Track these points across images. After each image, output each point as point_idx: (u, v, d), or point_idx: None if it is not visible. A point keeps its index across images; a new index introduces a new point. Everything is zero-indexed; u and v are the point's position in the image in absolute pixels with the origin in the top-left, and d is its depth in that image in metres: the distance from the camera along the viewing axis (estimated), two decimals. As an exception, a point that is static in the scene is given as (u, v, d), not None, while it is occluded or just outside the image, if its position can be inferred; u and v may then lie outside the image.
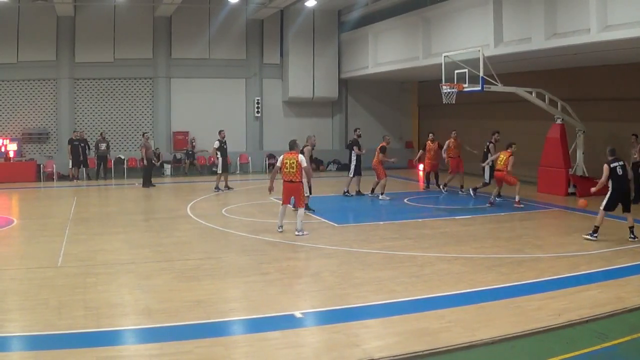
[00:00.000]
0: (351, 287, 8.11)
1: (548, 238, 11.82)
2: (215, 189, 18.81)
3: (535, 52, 15.69)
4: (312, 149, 15.84)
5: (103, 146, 22.68)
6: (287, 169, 11.43)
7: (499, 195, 15.46)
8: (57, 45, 23.32)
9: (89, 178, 22.71)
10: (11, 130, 23.06)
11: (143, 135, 21.72)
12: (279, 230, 11.68)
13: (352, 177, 17.33)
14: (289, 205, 12.04)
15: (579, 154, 17.68)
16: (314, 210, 14.20)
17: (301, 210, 11.63)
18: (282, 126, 26.34)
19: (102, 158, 22.73)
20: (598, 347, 6.00)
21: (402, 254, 10.01)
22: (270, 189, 11.92)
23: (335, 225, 12.88)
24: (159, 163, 22.39)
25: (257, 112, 26.04)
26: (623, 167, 10.87)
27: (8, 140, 22.36)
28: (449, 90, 16.62)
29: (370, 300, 7.53)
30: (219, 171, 18.84)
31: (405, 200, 16.71)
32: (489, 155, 16.48)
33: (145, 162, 20.32)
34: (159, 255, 10.02)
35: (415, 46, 20.70)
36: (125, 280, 8.52)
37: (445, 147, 18.21)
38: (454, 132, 18.21)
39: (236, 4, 23.26)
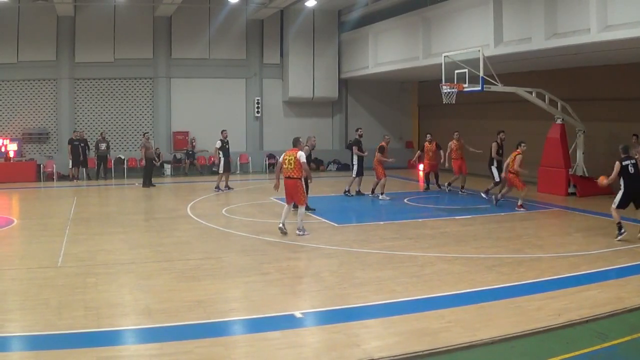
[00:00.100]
0: (351, 287, 8.11)
1: (548, 238, 11.82)
2: (215, 188, 18.82)
3: (536, 52, 15.69)
4: (312, 149, 15.82)
5: (103, 146, 22.70)
6: (286, 165, 11.44)
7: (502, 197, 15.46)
8: (57, 45, 23.33)
9: (89, 178, 22.72)
10: (11, 130, 23.07)
11: (144, 135, 21.74)
12: (280, 225, 11.43)
13: (354, 178, 17.30)
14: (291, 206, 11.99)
15: (579, 154, 17.69)
16: (314, 210, 14.21)
17: (301, 209, 11.55)
18: (282, 126, 26.34)
19: (102, 158, 22.74)
20: (598, 347, 6.00)
21: (402, 254, 10.01)
22: (277, 187, 11.84)
23: (336, 225, 12.88)
24: (159, 163, 22.40)
25: (257, 112, 26.05)
26: (635, 165, 10.84)
27: (8, 140, 22.37)
28: (449, 90, 16.62)
29: (370, 300, 7.53)
30: (221, 171, 18.84)
31: (405, 200, 16.71)
32: (497, 156, 16.20)
33: (144, 162, 20.33)
34: (159, 255, 10.02)
35: (415, 46, 20.71)
36: (125, 280, 8.52)
37: (448, 149, 18.11)
38: (456, 134, 18.12)
39: (236, 4, 23.26)
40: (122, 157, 23.92)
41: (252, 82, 26.10)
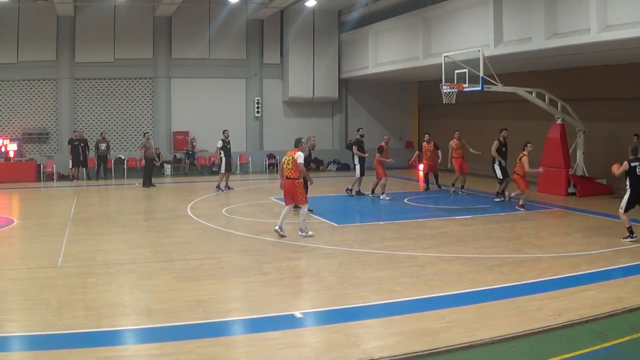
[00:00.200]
0: (351, 287, 8.11)
1: (548, 238, 11.83)
2: (216, 188, 18.84)
3: (536, 52, 15.69)
4: (312, 149, 15.77)
5: (103, 146, 22.70)
6: (285, 165, 11.43)
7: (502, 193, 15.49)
8: (57, 45, 23.34)
9: (89, 178, 22.72)
10: (11, 130, 23.07)
11: (144, 135, 21.74)
12: (275, 228, 11.36)
13: (359, 178, 17.28)
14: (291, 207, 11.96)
15: (579, 154, 17.69)
16: (311, 210, 14.18)
17: (304, 209, 11.41)
18: (282, 126, 26.36)
19: (102, 158, 22.74)
20: (598, 347, 6.00)
21: (403, 254, 10.01)
22: (282, 186, 11.78)
23: (336, 225, 12.88)
24: (159, 163, 22.41)
25: (257, 112, 26.06)
26: None
27: (8, 140, 22.37)
28: (449, 90, 16.61)
29: (370, 300, 7.53)
30: (223, 170, 18.87)
31: (405, 200, 16.71)
32: (497, 154, 15.96)
33: (144, 162, 20.34)
34: (159, 255, 10.02)
35: (415, 46, 20.71)
36: (125, 280, 8.52)
37: (449, 149, 18.05)
38: (457, 133, 18.07)
39: (236, 4, 23.26)
40: (122, 157, 23.92)
41: (252, 82, 26.11)
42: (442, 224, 13.05)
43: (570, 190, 17.13)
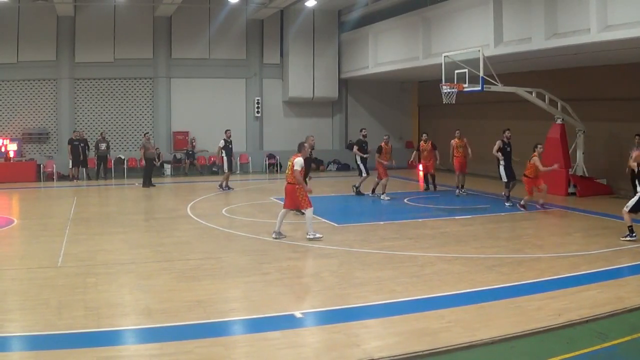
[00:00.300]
0: (351, 287, 8.11)
1: (548, 238, 11.83)
2: (219, 187, 18.87)
3: (536, 52, 15.69)
4: (312, 149, 15.76)
5: (103, 146, 22.70)
6: (287, 170, 11.37)
7: (508, 198, 15.37)
8: (57, 45, 23.34)
9: (89, 178, 22.72)
10: (11, 130, 23.07)
11: (144, 135, 21.73)
12: (273, 236, 11.28)
13: (366, 177, 17.26)
14: (291, 210, 11.86)
15: (579, 154, 17.69)
16: (302, 212, 14.06)
17: (308, 213, 11.19)
18: (282, 126, 26.36)
19: (102, 158, 22.74)
20: (598, 347, 6.00)
21: (402, 254, 10.01)
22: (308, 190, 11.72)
23: (336, 225, 12.88)
24: (159, 163, 22.40)
25: (257, 112, 26.06)
26: None
27: (8, 140, 22.37)
28: (449, 90, 16.61)
29: (370, 300, 7.53)
30: (226, 170, 18.92)
31: (405, 200, 16.71)
32: (500, 154, 15.62)
33: (144, 162, 20.36)
34: (159, 255, 10.02)
35: (415, 46, 20.71)
36: (125, 280, 8.52)
37: (451, 148, 17.97)
38: (457, 132, 17.99)
39: (236, 4, 23.26)
40: (122, 157, 23.92)
41: (252, 82, 26.11)
42: (442, 224, 13.05)
43: (570, 190, 17.13)
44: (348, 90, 27.65)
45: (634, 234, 10.70)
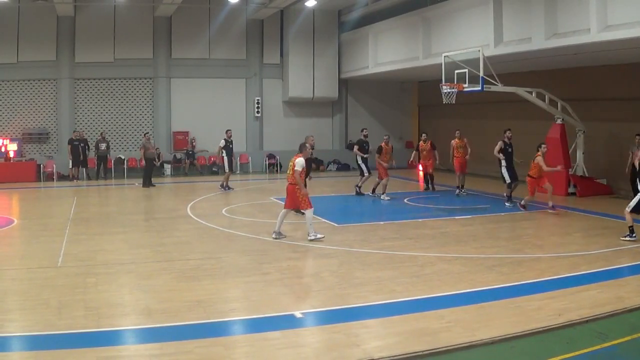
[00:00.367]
0: (351, 287, 8.11)
1: (548, 238, 11.83)
2: (220, 187, 18.87)
3: (536, 52, 15.69)
4: (312, 149, 15.74)
5: (103, 146, 22.70)
6: (288, 171, 11.34)
7: (509, 199, 15.33)
8: (57, 45, 23.34)
9: (89, 178, 22.72)
10: (11, 130, 23.07)
11: (144, 135, 21.73)
12: (273, 236, 11.28)
13: (368, 176, 17.25)
14: (292, 210, 11.80)
15: (579, 154, 17.69)
16: (302, 212, 14.06)
17: (308, 214, 11.15)
18: (282, 126, 26.37)
19: (102, 158, 22.74)
20: (598, 347, 6.00)
21: (402, 254, 10.01)
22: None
23: (336, 225, 12.88)
24: (159, 163, 22.40)
25: (257, 112, 26.06)
26: None
27: (8, 140, 22.37)
28: (449, 90, 16.60)
29: (370, 300, 7.53)
30: (227, 170, 18.94)
31: (405, 200, 16.71)
32: (501, 155, 15.54)
33: (143, 162, 20.36)
34: (159, 255, 10.02)
35: (415, 46, 20.71)
36: (125, 280, 8.52)
37: (451, 148, 17.93)
38: (457, 132, 17.95)
39: (236, 4, 23.26)
40: (122, 157, 23.92)
41: (252, 82, 26.11)
42: (442, 224, 13.05)
43: (570, 190, 17.13)
44: (348, 90, 27.65)
45: (634, 235, 10.70)
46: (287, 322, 6.72)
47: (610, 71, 17.49)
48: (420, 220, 13.55)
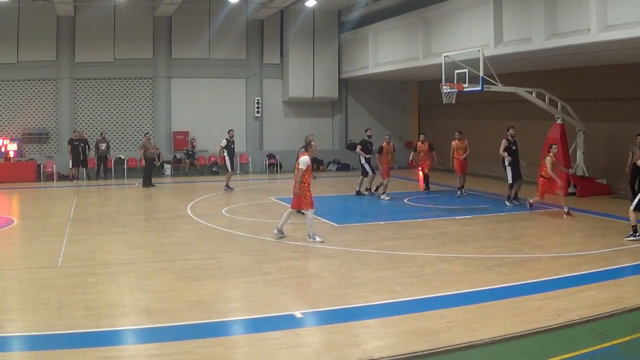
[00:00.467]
0: (351, 287, 8.11)
1: (548, 238, 11.83)
2: (227, 187, 18.86)
3: (536, 52, 15.68)
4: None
5: (103, 146, 22.70)
6: (294, 170, 11.29)
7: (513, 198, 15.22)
8: (57, 45, 23.33)
9: (89, 178, 22.71)
10: (11, 130, 23.06)
11: (145, 135, 21.72)
12: (274, 232, 11.29)
13: (373, 176, 17.24)
14: (295, 210, 11.71)
15: (579, 154, 17.68)
16: (302, 212, 14.05)
17: (308, 214, 11.07)
18: (282, 126, 26.37)
19: (102, 158, 22.74)
20: (598, 347, 6.01)
21: (402, 254, 10.01)
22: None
23: (336, 225, 12.88)
24: (159, 163, 22.40)
25: (257, 112, 26.06)
26: None
27: (8, 140, 22.36)
28: (449, 90, 16.60)
29: (370, 300, 7.53)
30: (229, 170, 18.95)
31: (405, 200, 16.71)
32: (506, 154, 15.36)
33: (143, 162, 20.36)
34: (159, 255, 10.02)
35: (415, 46, 20.71)
36: (125, 280, 8.52)
37: (451, 148, 17.87)
38: (457, 133, 17.91)
39: (236, 4, 23.26)
40: (122, 157, 23.91)
41: (252, 82, 26.10)
42: (442, 224, 13.05)
43: (570, 190, 17.10)
44: (348, 90, 27.65)
45: (637, 234, 10.68)
46: (287, 322, 6.72)
47: (610, 71, 17.49)
48: (420, 220, 13.56)
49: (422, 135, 19.06)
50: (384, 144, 17.19)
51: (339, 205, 16.36)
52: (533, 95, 16.88)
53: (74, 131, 22.78)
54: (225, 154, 18.89)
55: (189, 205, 15.71)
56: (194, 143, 24.83)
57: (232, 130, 19.50)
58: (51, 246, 10.64)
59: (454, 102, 16.66)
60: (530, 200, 14.55)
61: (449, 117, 23.58)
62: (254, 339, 6.32)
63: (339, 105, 27.51)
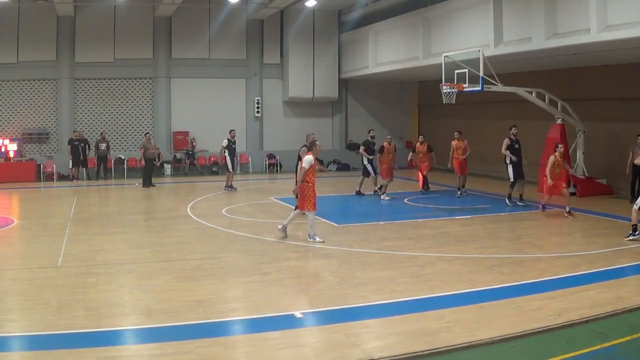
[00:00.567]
0: (351, 287, 8.11)
1: (548, 238, 11.83)
2: (230, 188, 18.86)
3: (536, 52, 15.68)
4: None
5: (103, 146, 22.70)
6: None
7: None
8: (57, 45, 23.33)
9: (89, 178, 22.71)
10: (11, 130, 23.06)
11: (145, 135, 21.72)
12: (279, 227, 11.35)
13: (375, 177, 17.22)
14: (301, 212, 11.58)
15: (579, 154, 17.68)
16: (304, 213, 14.03)
17: (309, 215, 11.03)
18: (282, 126, 26.37)
19: (102, 158, 22.74)
20: (598, 347, 6.01)
21: (402, 254, 10.01)
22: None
23: (336, 225, 12.89)
24: (159, 163, 22.40)
25: (257, 112, 26.06)
26: None
27: (8, 140, 22.36)
28: (449, 90, 16.60)
29: (370, 300, 7.53)
30: (230, 169, 18.95)
31: (405, 200, 16.71)
32: (509, 152, 15.26)
33: (143, 162, 20.37)
34: (159, 255, 10.02)
35: (415, 46, 20.71)
36: (125, 280, 8.52)
37: (451, 149, 17.85)
38: (456, 133, 17.89)
39: (236, 4, 23.26)
40: (122, 157, 23.91)
41: (252, 82, 26.10)
42: (442, 224, 13.05)
43: (571, 190, 17.07)
44: (348, 90, 27.65)
45: (637, 233, 10.66)
46: (287, 322, 6.72)
47: (610, 71, 17.49)
48: (420, 220, 13.56)
49: (421, 137, 19.01)
50: (385, 143, 17.21)
51: (339, 205, 16.36)
52: (533, 95, 16.88)
53: (74, 131, 22.78)
54: (226, 154, 18.91)
55: (189, 205, 15.71)
56: (194, 143, 24.83)
57: (233, 130, 19.53)
58: (51, 246, 10.64)
59: (454, 102, 16.66)
60: (543, 203, 14.29)
61: (449, 117, 23.58)
62: (254, 339, 6.32)
63: (339, 105, 27.51)
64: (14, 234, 12.35)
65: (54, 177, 22.46)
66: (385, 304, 7.38)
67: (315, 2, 23.02)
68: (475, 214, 14.31)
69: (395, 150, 17.51)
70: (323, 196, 16.85)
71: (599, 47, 14.08)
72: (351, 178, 20.93)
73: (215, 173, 24.05)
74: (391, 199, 16.58)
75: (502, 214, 14.35)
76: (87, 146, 22.63)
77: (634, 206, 10.68)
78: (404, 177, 22.42)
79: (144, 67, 24.52)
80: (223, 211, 14.80)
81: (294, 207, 12.42)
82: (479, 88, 15.85)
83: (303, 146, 14.28)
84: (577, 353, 5.84)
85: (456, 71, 16.41)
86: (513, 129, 15.54)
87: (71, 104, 23.72)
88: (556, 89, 17.77)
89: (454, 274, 8.76)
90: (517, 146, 15.43)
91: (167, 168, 24.29)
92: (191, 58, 25.02)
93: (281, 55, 26.40)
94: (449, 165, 18.02)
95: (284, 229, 11.31)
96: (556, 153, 14.04)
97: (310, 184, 11.01)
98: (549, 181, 13.89)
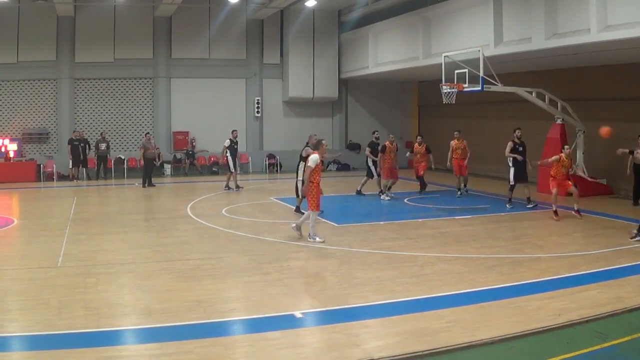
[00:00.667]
0: (351, 287, 8.11)
1: (548, 238, 11.83)
2: (236, 188, 18.85)
3: (536, 52, 15.68)
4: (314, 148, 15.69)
5: (103, 146, 22.70)
6: None
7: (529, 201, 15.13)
8: (57, 45, 23.33)
9: (89, 178, 22.71)
10: (11, 130, 23.06)
11: (145, 135, 21.71)
12: (292, 225, 11.37)
13: (378, 179, 17.19)
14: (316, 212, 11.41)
15: (579, 154, 17.66)
16: (303, 213, 14.06)
17: (312, 215, 10.97)
18: (282, 126, 26.37)
19: (102, 158, 22.74)
20: (598, 347, 6.01)
21: (402, 254, 10.01)
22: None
23: (336, 225, 12.88)
24: (159, 163, 22.40)
25: (257, 112, 26.06)
26: None
27: (8, 140, 22.37)
28: (449, 90, 16.60)
29: (370, 300, 7.53)
30: (232, 170, 18.94)
31: (405, 200, 16.71)
32: (512, 154, 15.19)
33: (142, 162, 20.36)
34: (159, 255, 10.02)
35: (415, 46, 20.71)
36: (125, 280, 8.52)
37: (450, 150, 17.84)
38: (456, 133, 17.87)
39: (236, 4, 23.25)
40: (122, 157, 23.91)
41: (252, 82, 26.10)
42: (442, 224, 13.05)
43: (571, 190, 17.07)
44: (348, 90, 27.65)
45: None
46: (287, 322, 6.72)
47: (610, 71, 17.49)
48: (420, 220, 13.56)
49: (419, 137, 18.94)
50: (387, 143, 17.19)
51: (339, 205, 16.35)
52: (533, 95, 16.88)
53: (74, 131, 22.77)
54: (228, 154, 18.89)
55: (189, 205, 15.71)
56: (194, 143, 24.83)
57: (235, 130, 19.53)
58: (51, 246, 10.64)
59: (454, 102, 16.65)
60: (554, 208, 13.84)
61: (449, 117, 23.58)
62: (254, 339, 6.32)
63: (339, 105, 27.51)
64: (14, 234, 12.35)
65: (54, 177, 22.46)
66: (385, 304, 7.38)
67: (315, 2, 23.02)
68: (475, 214, 14.32)
69: (397, 150, 17.50)
70: (323, 196, 16.86)
71: (599, 47, 14.08)
72: (351, 178, 20.93)
73: (215, 173, 24.06)
74: (391, 199, 16.57)
75: (502, 214, 14.35)
76: (87, 146, 22.62)
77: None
78: (404, 177, 22.39)
79: (144, 67, 24.52)
80: (223, 211, 14.80)
81: (294, 208, 12.44)
82: (479, 88, 15.85)
83: (306, 146, 14.32)
84: (577, 353, 5.84)
85: (456, 71, 16.41)
86: (517, 131, 15.41)
87: (71, 104, 23.72)
88: (556, 89, 17.77)
89: (454, 274, 8.76)
90: (521, 149, 15.30)
91: (167, 168, 24.28)
92: (191, 58, 25.02)
93: (281, 55, 26.40)
94: (448, 164, 18.04)
95: (298, 227, 11.23)
96: (562, 154, 13.95)
97: (315, 184, 10.98)
98: (551, 185, 13.76)
